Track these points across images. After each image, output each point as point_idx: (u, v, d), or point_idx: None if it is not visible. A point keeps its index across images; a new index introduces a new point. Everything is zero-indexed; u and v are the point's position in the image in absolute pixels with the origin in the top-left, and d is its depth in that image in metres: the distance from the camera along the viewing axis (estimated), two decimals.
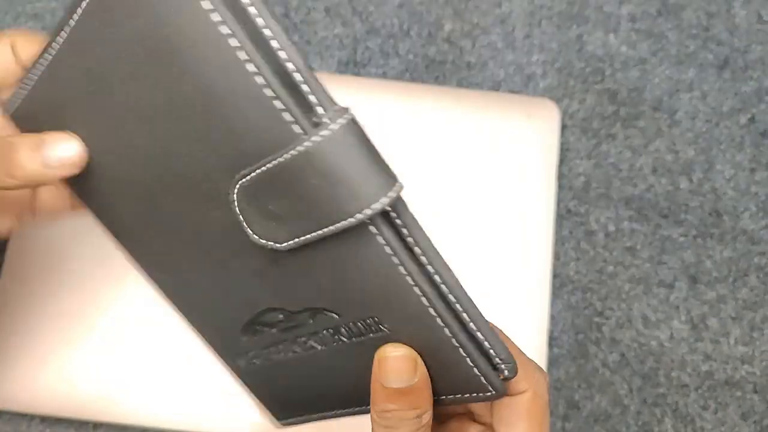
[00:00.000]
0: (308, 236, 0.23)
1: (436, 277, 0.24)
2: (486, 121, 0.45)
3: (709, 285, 0.44)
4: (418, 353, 0.25)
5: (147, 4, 0.22)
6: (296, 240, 0.23)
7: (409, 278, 0.23)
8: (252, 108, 0.21)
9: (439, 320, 0.24)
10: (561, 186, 0.45)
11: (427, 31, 0.48)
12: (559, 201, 0.45)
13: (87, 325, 0.41)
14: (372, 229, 0.23)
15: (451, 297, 0.24)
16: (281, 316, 0.28)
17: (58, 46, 0.25)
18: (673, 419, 0.43)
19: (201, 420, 0.40)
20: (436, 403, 0.27)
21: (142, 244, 0.31)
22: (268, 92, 0.21)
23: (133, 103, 0.25)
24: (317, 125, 0.21)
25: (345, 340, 0.27)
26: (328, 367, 0.28)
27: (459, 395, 0.26)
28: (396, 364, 0.25)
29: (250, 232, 0.24)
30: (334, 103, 0.22)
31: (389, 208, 0.23)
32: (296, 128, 0.21)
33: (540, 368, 0.28)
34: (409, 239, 0.23)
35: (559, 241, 0.45)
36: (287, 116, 0.21)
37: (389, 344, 0.25)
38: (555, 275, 0.44)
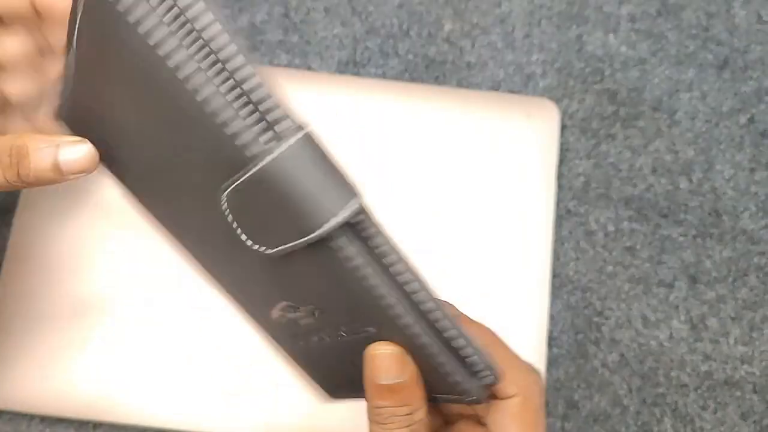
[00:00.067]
0: (288, 245, 0.23)
1: (407, 288, 0.24)
2: (485, 121, 0.45)
3: (708, 285, 0.44)
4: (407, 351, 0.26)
5: (114, 33, 0.22)
6: (282, 247, 0.23)
7: (378, 289, 0.24)
8: (218, 128, 0.22)
9: (412, 329, 0.24)
10: (560, 186, 0.45)
11: (426, 31, 0.48)
12: (559, 201, 0.45)
13: (87, 325, 0.41)
14: (336, 243, 0.23)
15: (424, 307, 0.24)
16: (294, 309, 0.29)
17: (73, 53, 0.26)
18: (673, 419, 0.43)
19: (201, 420, 0.41)
20: (433, 401, 0.27)
21: (170, 231, 0.32)
22: (226, 114, 0.21)
23: (131, 115, 0.25)
24: (272, 143, 0.22)
25: (345, 336, 0.27)
26: (347, 356, 0.29)
27: (448, 395, 0.26)
28: (384, 362, 0.25)
29: (244, 237, 0.24)
30: (291, 120, 0.22)
31: (354, 221, 0.23)
32: (254, 148, 0.21)
33: (533, 370, 0.28)
34: (377, 251, 0.24)
35: (559, 241, 0.45)
36: (246, 136, 0.21)
37: (378, 342, 0.26)
38: (554, 275, 0.44)
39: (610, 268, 0.45)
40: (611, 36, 0.48)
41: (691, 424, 0.43)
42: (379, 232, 0.24)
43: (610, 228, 0.45)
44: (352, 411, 0.31)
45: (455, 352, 0.25)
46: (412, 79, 0.47)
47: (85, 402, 0.41)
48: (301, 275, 0.26)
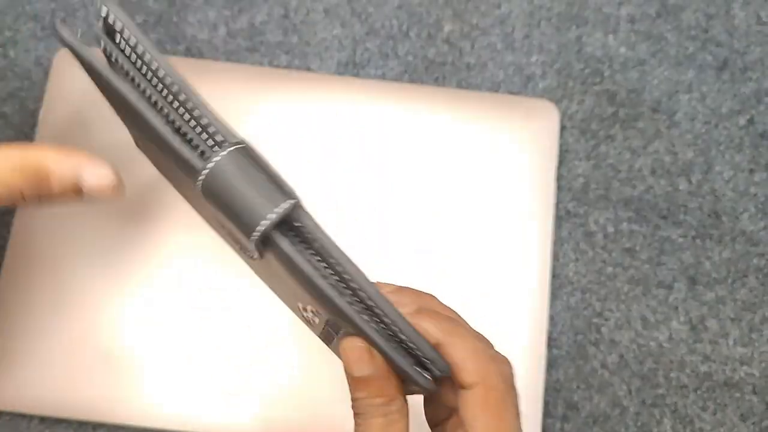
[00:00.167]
0: (249, 246, 0.26)
1: (351, 284, 0.26)
2: (485, 122, 0.45)
3: (708, 286, 0.44)
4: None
5: (104, 84, 0.27)
6: (247, 248, 0.27)
7: (324, 288, 0.26)
8: (169, 146, 0.26)
9: (356, 321, 0.26)
10: (560, 187, 0.45)
11: (426, 32, 0.48)
12: (559, 202, 0.45)
13: (87, 325, 0.41)
14: (279, 242, 0.25)
15: (370, 302, 0.26)
16: (304, 309, 0.31)
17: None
18: (672, 420, 0.43)
19: (201, 420, 0.41)
20: (411, 392, 0.28)
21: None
22: (169, 139, 0.26)
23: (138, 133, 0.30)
24: (208, 158, 0.25)
25: (333, 333, 0.29)
26: None
27: (408, 386, 0.28)
28: (353, 355, 0.27)
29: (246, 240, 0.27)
30: (222, 137, 0.26)
31: (293, 222, 0.26)
32: (197, 164, 0.25)
33: (498, 359, 0.29)
34: (316, 245, 0.26)
35: (559, 242, 0.45)
36: (189, 155, 0.26)
37: (350, 337, 0.27)
38: (554, 276, 0.44)
39: (609, 269, 0.45)
40: (611, 37, 0.48)
41: (690, 425, 0.43)
42: (317, 229, 0.26)
43: (610, 229, 0.45)
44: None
45: (402, 344, 0.27)
46: (412, 81, 0.47)
47: (85, 402, 0.41)
48: (282, 276, 0.27)
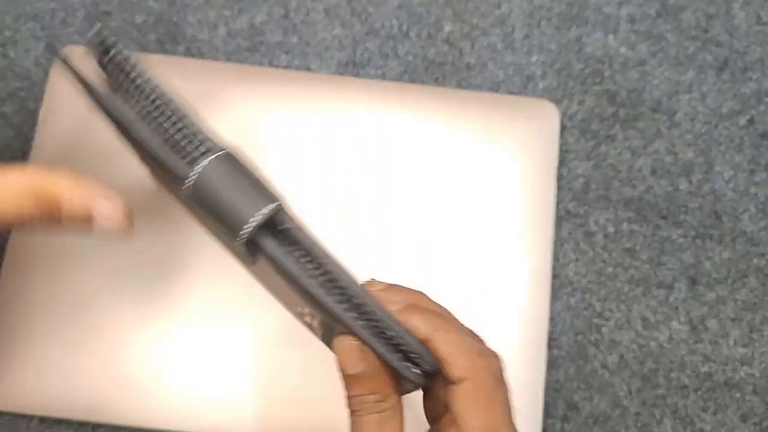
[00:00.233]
0: (236, 248, 0.27)
1: (341, 283, 0.27)
2: (485, 122, 0.45)
3: (708, 286, 0.44)
4: None
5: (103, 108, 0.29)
6: (235, 249, 0.28)
7: (312, 287, 0.27)
8: (155, 157, 0.28)
9: (344, 318, 0.27)
10: (560, 187, 0.45)
11: (426, 32, 0.48)
12: (559, 202, 0.45)
13: (87, 325, 0.41)
14: (264, 244, 0.27)
15: (357, 300, 0.27)
16: (302, 314, 0.32)
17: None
18: (673, 420, 0.43)
19: (201, 420, 0.41)
20: (407, 391, 0.29)
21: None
22: (157, 150, 0.27)
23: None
24: (194, 165, 0.27)
25: (329, 333, 0.30)
26: None
27: (406, 383, 0.28)
28: (345, 353, 0.27)
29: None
30: (208, 146, 0.27)
31: (282, 225, 0.27)
32: (184, 171, 0.27)
33: (486, 352, 0.29)
34: (303, 246, 0.27)
35: (559, 242, 0.45)
36: (176, 163, 0.27)
37: (341, 335, 0.28)
38: (554, 276, 0.44)
39: (609, 269, 0.44)
40: (611, 37, 0.48)
41: (691, 425, 0.42)
42: (300, 230, 0.27)
43: (610, 229, 0.45)
44: None
45: (389, 340, 0.27)
46: (412, 80, 0.47)
47: (85, 403, 0.41)
48: (277, 280, 0.28)
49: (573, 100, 0.47)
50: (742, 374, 0.43)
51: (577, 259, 0.45)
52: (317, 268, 0.27)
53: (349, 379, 0.28)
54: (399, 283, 0.31)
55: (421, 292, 0.30)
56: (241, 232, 0.26)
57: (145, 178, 0.38)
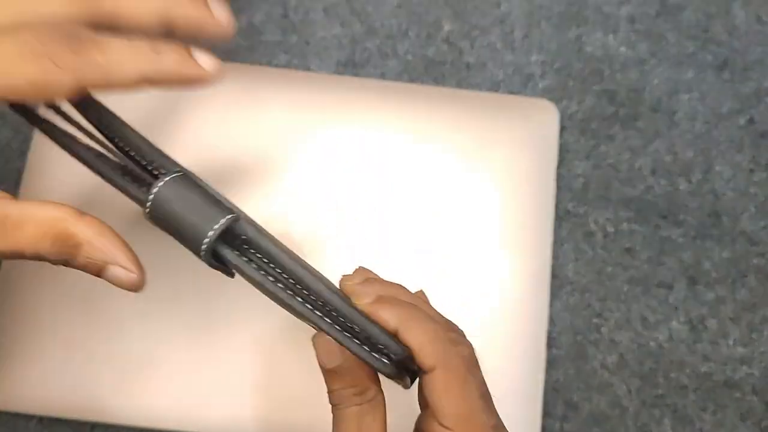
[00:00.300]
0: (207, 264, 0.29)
1: (306, 284, 0.28)
2: (484, 122, 0.45)
3: (708, 286, 0.44)
4: None
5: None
6: (217, 264, 0.29)
7: (277, 292, 0.28)
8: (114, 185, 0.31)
9: (311, 317, 0.28)
10: (560, 187, 0.45)
11: (425, 31, 0.48)
12: (558, 202, 0.45)
13: (86, 325, 0.41)
14: (226, 256, 0.28)
15: (322, 299, 0.28)
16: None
17: None
18: (672, 420, 0.43)
19: (200, 420, 0.40)
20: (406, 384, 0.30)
21: None
22: (117, 181, 0.30)
23: None
24: (151, 188, 0.29)
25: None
26: None
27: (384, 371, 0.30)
28: (321, 348, 0.28)
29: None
30: (163, 170, 0.29)
31: (242, 235, 0.28)
32: (142, 197, 0.29)
33: (458, 340, 0.30)
34: (263, 251, 0.29)
35: (558, 242, 0.45)
36: (134, 191, 0.30)
37: (318, 331, 0.29)
38: (554, 276, 0.44)
39: (609, 269, 0.44)
40: (611, 37, 0.48)
41: (690, 425, 0.42)
42: (261, 236, 0.28)
43: (610, 229, 0.45)
44: None
45: (357, 334, 0.29)
46: (411, 80, 0.47)
47: (84, 402, 0.41)
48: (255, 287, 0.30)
49: (573, 100, 0.47)
50: (742, 374, 0.43)
51: (576, 259, 0.45)
52: (282, 273, 0.29)
53: (328, 373, 0.28)
54: (399, 282, 0.32)
55: (398, 284, 0.31)
56: (202, 246, 0.28)
57: None
